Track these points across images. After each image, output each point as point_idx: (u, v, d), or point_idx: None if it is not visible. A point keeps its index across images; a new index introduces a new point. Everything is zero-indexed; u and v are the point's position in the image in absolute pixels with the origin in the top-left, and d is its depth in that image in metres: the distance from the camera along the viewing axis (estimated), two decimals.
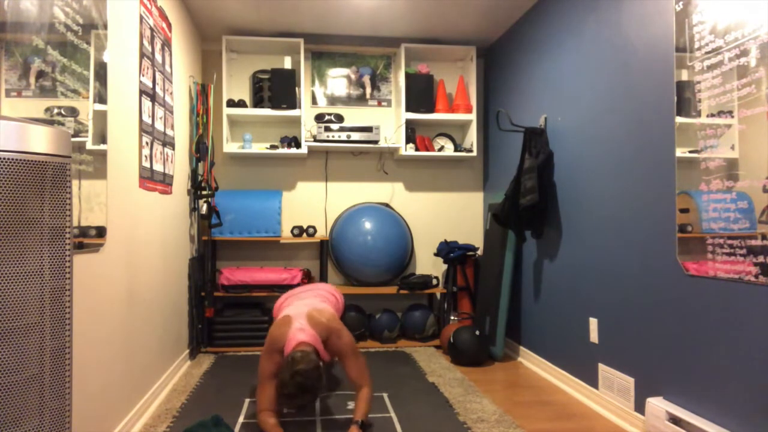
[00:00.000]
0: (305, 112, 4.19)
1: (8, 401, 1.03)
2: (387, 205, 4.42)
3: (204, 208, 3.73)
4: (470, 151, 4.24)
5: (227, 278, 3.85)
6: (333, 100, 4.37)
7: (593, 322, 2.77)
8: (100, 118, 2.06)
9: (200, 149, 3.65)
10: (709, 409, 2.00)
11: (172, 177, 3.17)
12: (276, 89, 3.98)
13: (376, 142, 4.12)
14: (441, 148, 4.36)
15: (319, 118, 4.29)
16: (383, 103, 4.43)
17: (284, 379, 2.15)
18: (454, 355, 3.52)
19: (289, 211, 4.35)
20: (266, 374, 2.33)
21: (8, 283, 1.03)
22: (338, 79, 4.38)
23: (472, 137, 4.24)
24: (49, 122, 1.65)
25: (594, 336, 2.76)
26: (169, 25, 3.14)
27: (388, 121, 4.41)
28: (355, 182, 4.41)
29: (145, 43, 2.65)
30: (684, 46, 2.10)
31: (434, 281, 4.24)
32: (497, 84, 4.21)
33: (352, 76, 4.39)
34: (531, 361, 3.52)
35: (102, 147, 2.07)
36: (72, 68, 1.80)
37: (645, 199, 2.37)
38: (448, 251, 4.11)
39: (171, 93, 3.14)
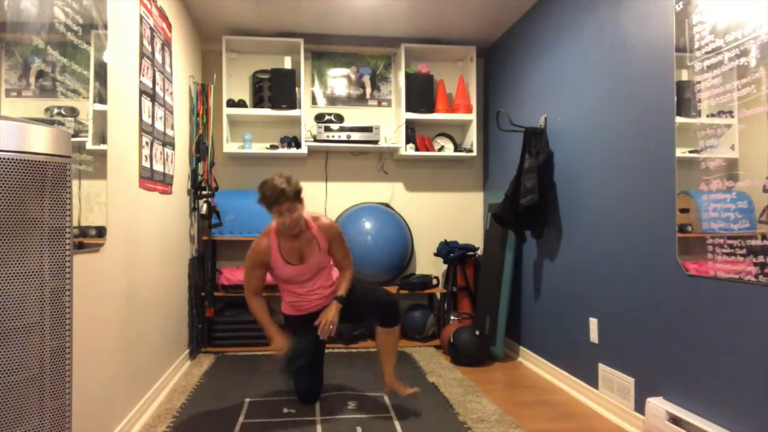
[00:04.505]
0: (305, 112, 4.19)
1: (8, 401, 1.03)
2: (387, 205, 4.42)
3: (204, 208, 3.72)
4: (470, 151, 4.24)
5: (227, 278, 3.85)
6: (333, 100, 4.37)
7: (593, 322, 2.77)
8: (100, 118, 2.06)
9: (200, 149, 3.65)
10: (709, 409, 2.00)
11: (172, 177, 3.17)
12: (276, 89, 3.98)
13: (376, 142, 4.12)
14: (441, 148, 4.36)
15: (319, 118, 4.29)
16: (383, 103, 4.43)
17: (263, 185, 2.43)
18: (454, 355, 3.52)
19: None
20: (250, 290, 2.64)
21: (8, 283, 1.03)
22: (338, 79, 4.38)
23: (472, 137, 4.24)
24: (49, 122, 1.65)
25: (594, 336, 2.76)
26: (169, 25, 3.14)
27: (388, 121, 4.41)
28: (355, 182, 4.41)
29: (145, 43, 2.65)
30: (684, 46, 2.10)
31: (434, 281, 4.24)
32: (497, 84, 4.21)
33: (352, 76, 4.39)
34: (531, 361, 3.52)
35: (102, 147, 2.07)
36: (72, 68, 1.80)
37: (645, 199, 2.37)
38: (448, 251, 4.11)
39: (171, 93, 3.14)
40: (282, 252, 2.57)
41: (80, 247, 1.85)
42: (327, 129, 4.06)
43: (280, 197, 2.36)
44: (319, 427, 2.44)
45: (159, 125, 2.87)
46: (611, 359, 2.62)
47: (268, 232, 2.60)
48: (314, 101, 4.35)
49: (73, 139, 1.80)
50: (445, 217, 4.52)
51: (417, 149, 4.20)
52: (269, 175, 2.46)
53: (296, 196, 2.42)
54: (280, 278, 2.65)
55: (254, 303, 2.62)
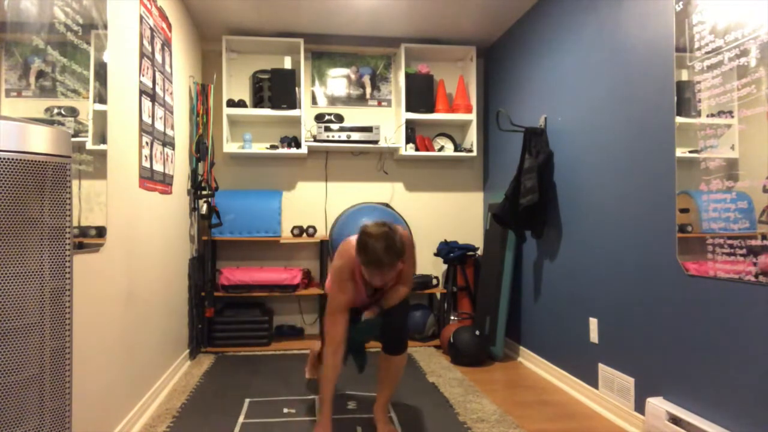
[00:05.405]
0: (305, 112, 4.19)
1: (8, 401, 1.03)
2: (387, 205, 4.42)
3: (204, 208, 3.72)
4: (470, 151, 4.24)
5: (227, 278, 3.85)
6: (333, 100, 4.37)
7: (593, 322, 2.77)
8: (100, 118, 2.06)
9: (200, 149, 3.65)
10: (709, 409, 2.00)
11: (172, 177, 3.17)
12: (276, 89, 3.98)
13: (376, 142, 4.12)
14: (441, 148, 4.36)
15: (319, 118, 4.29)
16: (383, 103, 4.43)
17: (366, 243, 2.06)
18: (454, 355, 3.52)
19: (289, 211, 4.35)
20: (341, 306, 2.21)
21: (8, 283, 1.03)
22: (338, 79, 4.38)
23: (472, 137, 4.24)
24: (49, 122, 1.65)
25: (594, 336, 2.76)
26: (169, 25, 3.14)
27: (388, 121, 4.41)
28: (355, 182, 4.41)
29: (145, 43, 2.65)
30: (684, 46, 2.10)
31: (434, 281, 4.24)
32: (497, 84, 4.21)
33: (352, 76, 4.39)
34: (531, 361, 3.52)
35: (102, 147, 2.07)
36: (72, 68, 1.80)
37: (645, 198, 2.37)
38: (448, 251, 4.11)
39: (171, 93, 3.14)
40: (362, 289, 2.34)
41: (80, 247, 1.85)
42: (327, 129, 4.06)
43: (378, 266, 2.06)
44: None
45: (159, 125, 2.87)
46: (611, 359, 2.62)
47: (352, 268, 2.26)
48: (314, 101, 4.35)
49: (73, 139, 1.80)
50: (445, 217, 4.52)
51: (417, 149, 4.20)
52: (373, 229, 2.10)
53: (396, 264, 2.11)
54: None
55: (332, 363, 2.20)
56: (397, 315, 2.36)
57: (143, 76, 2.61)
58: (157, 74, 2.86)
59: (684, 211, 2.11)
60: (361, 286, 2.33)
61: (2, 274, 1.02)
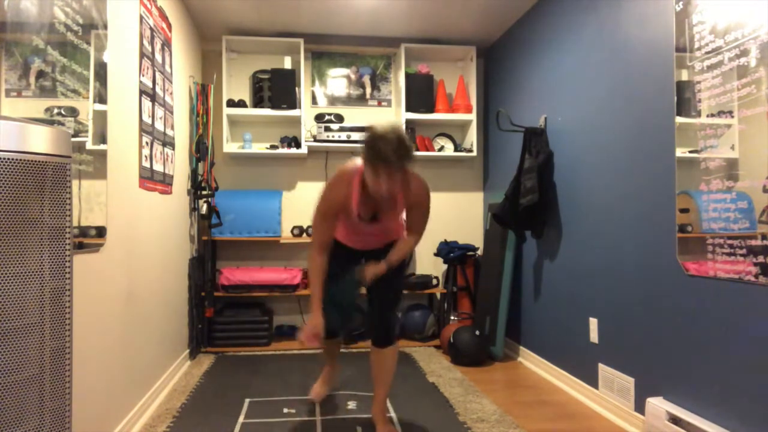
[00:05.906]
0: (305, 112, 4.19)
1: (8, 401, 1.03)
2: None
3: (204, 208, 3.72)
4: (470, 151, 4.24)
5: (227, 278, 3.85)
6: (333, 100, 4.37)
7: (593, 322, 2.77)
8: (100, 118, 2.06)
9: (200, 149, 3.65)
10: (709, 409, 2.00)
11: (172, 177, 3.17)
12: (276, 89, 3.98)
13: None
14: (441, 148, 4.36)
15: (319, 118, 4.28)
16: (383, 103, 4.43)
17: (374, 139, 1.90)
18: (454, 355, 3.52)
19: (289, 211, 4.35)
20: (323, 241, 2.16)
21: (8, 283, 1.03)
22: (338, 79, 4.38)
23: (472, 137, 4.24)
24: (49, 122, 1.65)
25: (594, 336, 2.76)
26: (169, 25, 3.14)
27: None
28: None
29: (145, 43, 2.65)
30: (684, 46, 2.10)
31: (434, 281, 4.24)
32: (497, 84, 4.21)
33: (352, 76, 4.39)
34: (531, 361, 3.52)
35: (102, 147, 2.07)
36: (72, 68, 1.80)
37: (645, 199, 2.37)
38: (448, 251, 4.11)
39: (171, 93, 3.14)
40: (359, 205, 2.15)
41: (80, 247, 1.85)
42: (327, 129, 4.06)
43: (386, 164, 1.88)
44: (319, 427, 2.44)
45: (159, 125, 2.87)
46: (611, 359, 2.62)
47: (350, 178, 2.10)
48: (314, 101, 4.35)
49: (73, 139, 1.80)
50: (445, 217, 4.52)
51: (417, 149, 4.20)
52: (382, 126, 1.94)
53: (406, 169, 1.97)
54: (343, 222, 2.31)
55: (317, 263, 2.17)
56: (384, 302, 2.30)
57: (143, 76, 2.61)
58: (157, 74, 2.86)
59: (684, 211, 2.11)
60: (356, 217, 2.17)
61: (2, 274, 1.02)
